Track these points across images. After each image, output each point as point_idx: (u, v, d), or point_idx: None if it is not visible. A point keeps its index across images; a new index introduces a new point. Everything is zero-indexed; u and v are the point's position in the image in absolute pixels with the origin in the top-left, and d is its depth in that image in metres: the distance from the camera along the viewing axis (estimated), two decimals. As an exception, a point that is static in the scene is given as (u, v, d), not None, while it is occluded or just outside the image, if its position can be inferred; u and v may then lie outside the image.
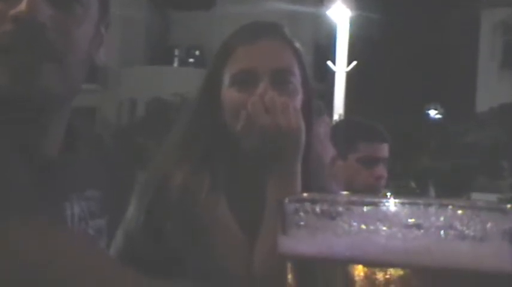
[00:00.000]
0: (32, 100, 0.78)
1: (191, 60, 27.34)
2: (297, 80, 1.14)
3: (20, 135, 0.79)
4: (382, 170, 2.08)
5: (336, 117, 12.78)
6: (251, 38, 1.15)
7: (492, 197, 14.65)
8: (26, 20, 0.75)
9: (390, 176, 2.31)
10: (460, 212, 0.34)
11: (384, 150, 2.11)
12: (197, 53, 27.29)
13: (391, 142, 2.15)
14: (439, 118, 22.53)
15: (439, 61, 24.50)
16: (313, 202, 0.37)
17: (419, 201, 0.35)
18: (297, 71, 1.15)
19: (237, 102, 1.11)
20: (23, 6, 0.75)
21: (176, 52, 27.73)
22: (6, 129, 0.77)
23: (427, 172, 17.29)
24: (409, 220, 0.35)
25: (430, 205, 0.35)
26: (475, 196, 15.44)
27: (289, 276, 0.38)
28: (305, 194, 0.38)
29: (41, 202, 0.73)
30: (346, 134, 2.07)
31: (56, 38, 0.78)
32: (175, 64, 27.60)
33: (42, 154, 0.82)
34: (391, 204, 0.35)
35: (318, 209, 0.36)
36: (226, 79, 1.14)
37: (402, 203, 0.35)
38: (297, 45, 1.18)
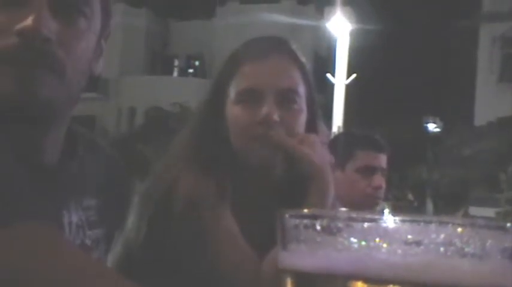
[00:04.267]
0: (34, 110, 0.79)
1: (191, 70, 27.41)
2: (301, 99, 1.15)
3: (19, 143, 0.80)
4: (380, 180, 2.07)
5: (334, 129, 12.80)
6: (258, 55, 1.16)
7: (490, 211, 14.64)
8: (31, 34, 0.76)
9: (388, 188, 2.31)
10: (460, 229, 0.35)
11: (382, 160, 2.10)
12: (197, 63, 27.36)
13: (390, 153, 2.15)
14: (437, 131, 22.56)
15: (437, 74, 24.58)
16: (314, 217, 0.37)
17: (420, 218, 0.35)
18: (302, 89, 1.15)
19: (241, 119, 1.12)
20: (29, 21, 0.76)
21: (176, 62, 27.80)
22: (5, 137, 0.78)
23: (424, 184, 17.29)
24: (409, 237, 0.35)
25: (430, 222, 0.35)
26: (473, 209, 15.41)
27: (289, 291, 0.38)
28: (305, 210, 0.38)
29: (38, 210, 0.73)
30: (345, 143, 2.07)
31: (59, 51, 0.79)
32: (175, 74, 27.66)
33: (41, 161, 0.82)
34: (391, 221, 0.35)
35: (318, 224, 0.36)
36: (232, 95, 1.15)
37: (402, 220, 0.35)
38: (304, 61, 1.19)
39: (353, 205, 2.00)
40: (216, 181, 1.10)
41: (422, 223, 0.34)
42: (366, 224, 0.35)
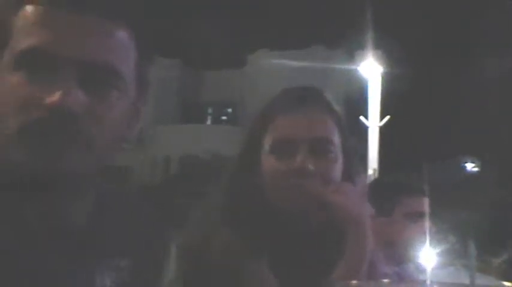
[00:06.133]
0: (58, 182, 0.78)
1: (224, 117, 27.70)
2: (336, 148, 1.14)
3: (46, 210, 0.78)
4: (428, 225, 2.06)
5: (370, 172, 12.66)
6: (292, 106, 1.16)
7: (536, 253, 14.10)
8: (59, 110, 0.75)
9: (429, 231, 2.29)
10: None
11: (427, 204, 2.10)
12: (229, 110, 27.65)
13: (430, 195, 2.14)
14: (476, 171, 22.12)
15: (474, 113, 24.28)
16: None
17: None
18: (336, 138, 1.15)
19: (275, 170, 1.12)
20: (56, 96, 0.75)
21: (209, 110, 28.14)
22: (31, 200, 0.77)
23: (466, 225, 16.87)
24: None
25: None
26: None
27: None
28: (354, 282, 0.36)
29: (68, 274, 0.71)
30: (389, 190, 2.07)
31: (88, 125, 0.77)
32: (208, 122, 27.97)
33: (69, 225, 0.81)
34: None
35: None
36: (266, 145, 1.15)
37: None
38: (338, 110, 1.18)
39: (401, 252, 1.97)
40: (251, 235, 1.08)
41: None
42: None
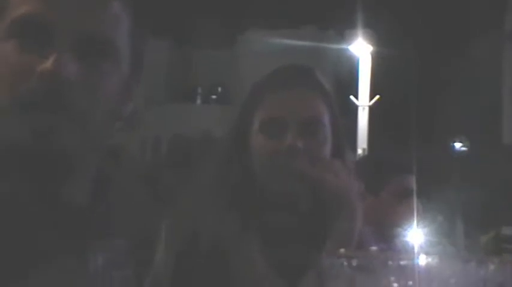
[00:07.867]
0: (51, 157, 0.76)
1: (214, 97, 27.63)
2: (326, 128, 1.15)
3: (42, 184, 0.78)
4: (415, 203, 2.06)
5: (359, 151, 12.72)
6: (282, 85, 1.16)
7: (522, 231, 14.26)
8: (52, 78, 0.73)
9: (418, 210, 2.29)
10: (500, 269, 0.33)
11: (413, 182, 2.10)
12: (219, 89, 27.57)
13: (417, 174, 2.14)
14: (464, 150, 22.24)
15: (463, 93, 24.35)
16: (350, 257, 0.36)
17: (458, 257, 0.34)
18: (326, 118, 1.15)
19: (265, 149, 1.12)
20: (49, 63, 0.74)
21: (199, 90, 28.04)
22: (27, 178, 0.76)
23: (454, 205, 17.02)
24: (447, 275, 0.33)
25: (468, 261, 0.33)
26: (506, 229, 15.05)
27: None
28: (342, 250, 0.37)
29: (62, 253, 0.72)
30: (380, 167, 2.07)
31: (80, 95, 0.76)
32: (198, 101, 27.90)
33: (67, 202, 0.80)
34: (429, 259, 0.34)
35: (354, 263, 0.35)
36: (256, 124, 1.15)
37: (440, 259, 0.34)
38: (329, 90, 1.18)
39: (389, 230, 1.98)
40: (241, 214, 1.09)
41: (460, 263, 0.33)
42: (402, 262, 0.34)
